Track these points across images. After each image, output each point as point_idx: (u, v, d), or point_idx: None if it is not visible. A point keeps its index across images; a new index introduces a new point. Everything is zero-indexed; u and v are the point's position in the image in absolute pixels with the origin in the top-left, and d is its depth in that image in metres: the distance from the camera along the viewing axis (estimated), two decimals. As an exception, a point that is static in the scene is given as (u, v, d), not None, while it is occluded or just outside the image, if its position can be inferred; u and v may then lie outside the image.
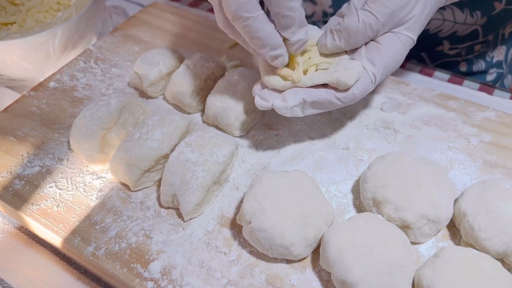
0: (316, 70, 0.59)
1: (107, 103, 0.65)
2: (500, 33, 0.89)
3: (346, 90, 0.56)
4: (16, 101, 0.75)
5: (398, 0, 0.54)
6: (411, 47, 0.58)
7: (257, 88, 0.59)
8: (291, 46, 0.56)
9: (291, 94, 0.55)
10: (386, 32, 0.57)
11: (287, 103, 0.55)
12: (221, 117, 0.67)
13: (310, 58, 0.58)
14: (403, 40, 0.57)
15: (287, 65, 0.58)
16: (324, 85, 0.57)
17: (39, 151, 0.67)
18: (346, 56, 0.59)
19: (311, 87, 0.56)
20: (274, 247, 0.52)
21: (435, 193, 0.54)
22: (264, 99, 0.57)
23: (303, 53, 0.58)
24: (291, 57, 0.58)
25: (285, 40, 0.55)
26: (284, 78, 0.57)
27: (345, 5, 0.60)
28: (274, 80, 0.57)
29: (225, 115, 0.67)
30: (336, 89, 0.56)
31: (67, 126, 0.71)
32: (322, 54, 0.59)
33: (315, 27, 0.62)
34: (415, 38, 0.58)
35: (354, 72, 0.54)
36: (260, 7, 0.51)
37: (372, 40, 0.58)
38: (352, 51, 0.59)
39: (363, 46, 0.58)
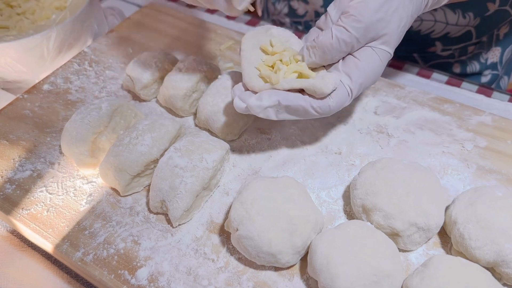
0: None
1: (98, 107, 0.65)
2: (495, 34, 0.88)
3: (322, 99, 0.55)
4: (10, 103, 0.75)
5: (371, 14, 0.53)
6: (388, 60, 0.58)
7: (237, 89, 0.58)
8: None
9: (267, 94, 0.55)
10: (363, 46, 0.56)
11: (261, 103, 0.54)
12: (213, 121, 0.67)
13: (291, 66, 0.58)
14: (380, 54, 0.56)
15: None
16: (302, 93, 0.56)
17: (30, 155, 0.67)
18: (323, 70, 0.58)
19: (289, 91, 0.56)
20: (261, 255, 0.52)
21: (425, 200, 0.53)
22: (243, 101, 0.56)
23: (286, 63, 0.57)
24: (274, 65, 0.57)
25: None
26: (264, 80, 0.56)
27: (322, 17, 0.60)
28: (254, 81, 0.57)
29: (216, 119, 0.66)
30: (313, 97, 0.55)
31: (60, 129, 0.71)
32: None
33: (297, 38, 0.62)
34: (392, 52, 0.57)
35: (330, 80, 0.54)
36: None
37: (349, 54, 0.57)
38: (330, 65, 0.59)
39: (341, 61, 0.57)
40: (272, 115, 0.55)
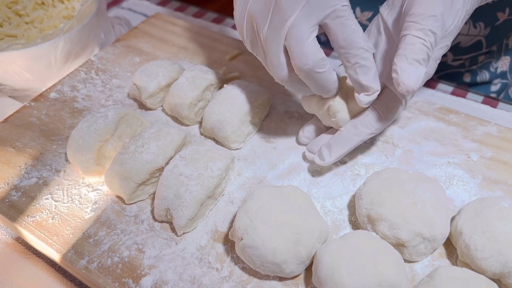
0: None
1: (105, 115, 0.66)
2: (504, 43, 0.88)
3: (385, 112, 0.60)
4: (17, 111, 0.75)
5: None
6: None
7: (303, 136, 0.67)
8: (361, 89, 0.56)
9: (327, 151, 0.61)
10: None
11: (325, 162, 0.61)
12: (218, 129, 0.67)
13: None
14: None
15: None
16: None
17: (37, 162, 0.68)
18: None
19: None
20: (266, 265, 0.52)
21: (431, 211, 0.53)
22: (311, 151, 0.63)
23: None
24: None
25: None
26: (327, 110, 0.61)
27: (374, 20, 0.60)
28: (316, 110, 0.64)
29: (222, 128, 0.67)
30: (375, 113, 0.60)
31: (66, 137, 0.71)
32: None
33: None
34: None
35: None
36: (327, 60, 0.54)
37: None
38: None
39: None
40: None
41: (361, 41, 0.52)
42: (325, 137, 0.64)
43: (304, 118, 0.72)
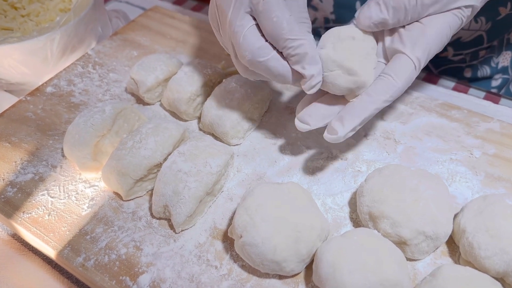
0: None
1: (102, 109, 0.64)
2: (505, 38, 0.87)
3: (385, 85, 0.54)
4: (12, 106, 0.74)
5: None
6: (458, 27, 0.56)
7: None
8: (304, 83, 0.54)
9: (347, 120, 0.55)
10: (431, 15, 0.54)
11: (338, 135, 0.55)
12: (217, 125, 0.66)
13: None
14: (450, 20, 0.54)
15: None
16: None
17: (33, 158, 0.66)
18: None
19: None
20: (266, 263, 0.51)
21: (433, 208, 0.52)
22: (304, 122, 0.58)
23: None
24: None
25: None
26: None
27: None
28: None
29: (221, 123, 0.66)
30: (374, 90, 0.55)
31: (62, 132, 0.70)
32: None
33: None
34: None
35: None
36: (272, 49, 0.53)
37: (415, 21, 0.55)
38: (387, 34, 0.57)
39: (401, 29, 0.55)
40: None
41: (285, 32, 0.51)
42: (317, 106, 0.58)
43: (304, 113, 0.70)
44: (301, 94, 0.72)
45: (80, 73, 0.80)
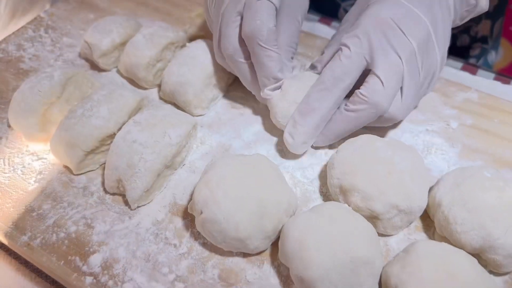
0: None
1: (50, 75, 0.59)
2: None
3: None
4: (-46, 72, 0.67)
5: None
6: None
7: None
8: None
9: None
10: None
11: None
12: (179, 93, 0.61)
13: None
14: None
15: None
16: None
17: (-26, 128, 0.60)
18: None
19: None
20: (228, 240, 0.47)
21: (408, 181, 0.48)
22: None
23: None
24: None
25: None
26: None
27: None
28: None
29: (183, 91, 0.60)
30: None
31: (9, 101, 0.63)
32: None
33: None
34: None
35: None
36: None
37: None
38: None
39: None
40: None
41: (264, 33, 0.53)
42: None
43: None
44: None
45: (30, 37, 0.73)
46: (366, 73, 0.54)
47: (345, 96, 0.54)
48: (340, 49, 0.53)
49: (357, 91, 0.53)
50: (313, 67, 0.62)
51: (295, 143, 0.55)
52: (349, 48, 0.52)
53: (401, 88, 0.53)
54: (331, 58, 0.55)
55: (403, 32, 0.52)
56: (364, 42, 0.52)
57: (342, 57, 0.52)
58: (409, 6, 0.53)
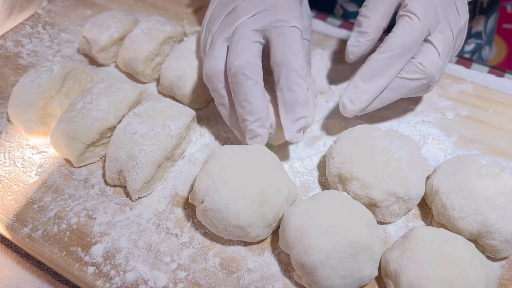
0: None
1: (49, 69, 0.59)
2: (479, 2, 0.85)
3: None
4: (-48, 68, 0.67)
5: None
6: None
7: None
8: (288, 127, 0.51)
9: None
10: None
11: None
12: (178, 87, 0.61)
13: None
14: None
15: None
16: None
17: (-26, 123, 0.61)
18: None
19: None
20: (229, 229, 0.47)
21: (405, 169, 0.49)
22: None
23: None
24: None
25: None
26: None
27: None
28: None
29: (181, 85, 0.61)
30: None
31: (8, 96, 0.64)
32: None
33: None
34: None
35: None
36: (262, 75, 0.52)
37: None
38: None
39: None
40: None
41: (297, 64, 0.51)
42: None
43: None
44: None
45: (28, 33, 0.74)
46: None
47: None
48: (407, 16, 0.53)
49: (414, 60, 0.53)
50: (358, 24, 0.58)
51: (355, 109, 0.54)
52: (418, 18, 0.52)
53: None
54: (381, 20, 0.56)
55: (457, 10, 0.55)
56: (431, 13, 0.53)
57: (413, 26, 0.52)
58: None
